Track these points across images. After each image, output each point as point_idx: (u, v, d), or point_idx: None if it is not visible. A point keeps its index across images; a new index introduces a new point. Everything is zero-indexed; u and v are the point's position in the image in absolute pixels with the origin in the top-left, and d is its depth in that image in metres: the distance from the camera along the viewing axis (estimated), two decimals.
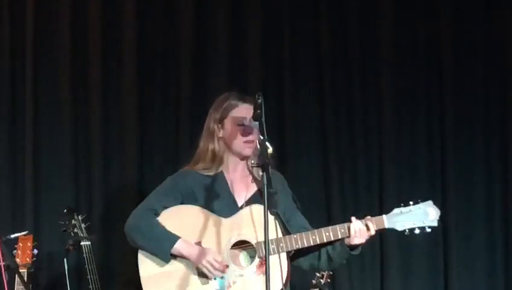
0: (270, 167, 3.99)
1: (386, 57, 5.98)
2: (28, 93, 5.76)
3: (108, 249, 5.69)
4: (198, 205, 4.20)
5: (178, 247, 4.14)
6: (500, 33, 5.99)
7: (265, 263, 3.80)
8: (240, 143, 4.22)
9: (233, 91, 4.34)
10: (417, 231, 4.14)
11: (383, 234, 5.76)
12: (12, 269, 4.06)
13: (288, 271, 4.10)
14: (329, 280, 5.34)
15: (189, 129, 5.78)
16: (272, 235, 4.02)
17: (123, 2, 5.87)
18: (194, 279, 4.15)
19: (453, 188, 5.89)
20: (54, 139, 5.79)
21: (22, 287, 4.80)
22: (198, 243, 4.16)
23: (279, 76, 5.93)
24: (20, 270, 4.84)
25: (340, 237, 4.11)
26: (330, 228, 4.11)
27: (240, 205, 4.21)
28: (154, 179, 5.74)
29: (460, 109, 5.98)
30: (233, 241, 4.14)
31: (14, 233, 5.11)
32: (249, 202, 4.19)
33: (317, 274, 5.28)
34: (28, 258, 5.05)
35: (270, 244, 4.01)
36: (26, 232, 5.19)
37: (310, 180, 5.86)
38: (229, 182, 4.25)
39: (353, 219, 4.13)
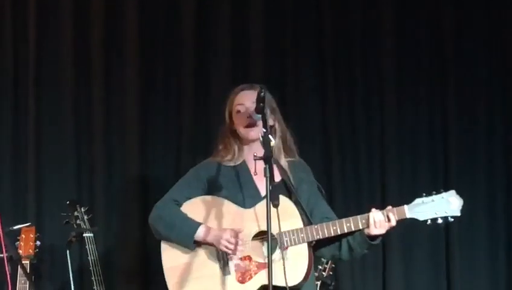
0: (293, 155, 4.09)
1: (388, 49, 5.97)
2: (30, 87, 5.76)
3: (111, 241, 5.70)
4: (221, 196, 4.22)
5: (201, 233, 4.15)
6: (502, 22, 5.99)
7: (268, 259, 3.80)
8: (242, 129, 4.25)
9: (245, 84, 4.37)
10: (440, 221, 4.05)
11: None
12: (15, 261, 4.07)
13: (310, 261, 4.10)
14: (331, 273, 5.34)
15: (192, 122, 5.80)
16: (294, 226, 4.05)
17: None
18: (216, 269, 4.16)
19: (456, 182, 5.88)
20: (56, 132, 5.79)
21: (25, 278, 4.81)
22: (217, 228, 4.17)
23: (281, 71, 5.92)
24: (23, 262, 4.85)
25: (361, 227, 4.08)
26: (351, 218, 4.09)
27: (262, 194, 4.20)
28: (156, 171, 5.77)
29: (463, 102, 5.97)
30: (254, 232, 4.14)
31: (16, 224, 5.13)
32: (266, 192, 4.19)
33: (320, 267, 5.28)
34: (30, 250, 5.05)
35: (291, 235, 4.04)
36: (29, 223, 5.20)
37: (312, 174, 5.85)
38: (252, 172, 4.25)
39: (373, 209, 4.10)
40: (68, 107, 5.81)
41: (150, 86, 5.87)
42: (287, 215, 4.00)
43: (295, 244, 4.06)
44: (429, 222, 4.07)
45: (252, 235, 4.15)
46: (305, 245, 4.10)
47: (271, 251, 3.81)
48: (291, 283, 3.96)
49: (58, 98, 5.82)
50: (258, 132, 4.15)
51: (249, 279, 4.12)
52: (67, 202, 5.28)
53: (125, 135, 5.83)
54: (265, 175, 3.83)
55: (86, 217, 5.24)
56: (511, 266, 5.92)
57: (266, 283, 4.03)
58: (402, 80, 5.98)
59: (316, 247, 4.20)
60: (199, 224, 4.17)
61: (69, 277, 5.10)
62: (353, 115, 5.95)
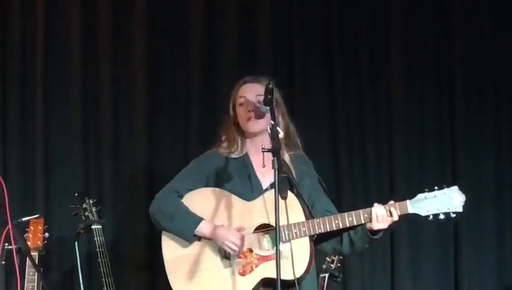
0: (296, 148, 4.09)
1: (396, 43, 5.96)
2: (38, 81, 5.77)
3: (119, 232, 5.71)
4: (223, 188, 4.21)
5: (201, 228, 4.15)
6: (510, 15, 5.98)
7: (276, 250, 3.79)
8: (244, 121, 4.24)
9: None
10: (442, 217, 4.06)
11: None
12: (23, 252, 4.07)
13: (311, 255, 4.10)
14: (339, 265, 5.34)
15: (199, 114, 5.80)
16: (296, 219, 4.04)
17: None
18: (217, 262, 4.16)
19: (464, 177, 5.87)
20: (64, 124, 5.80)
21: (33, 270, 4.82)
22: (222, 226, 4.16)
23: (289, 65, 5.92)
24: (32, 254, 4.85)
25: (363, 222, 4.08)
26: (353, 212, 4.09)
27: (264, 187, 4.21)
28: (163, 163, 5.78)
29: (471, 97, 5.96)
30: (256, 224, 4.14)
31: (25, 216, 5.14)
32: (273, 185, 4.19)
33: (328, 259, 5.28)
34: (39, 242, 5.06)
35: (293, 229, 4.04)
36: (38, 215, 5.20)
37: (320, 168, 5.83)
38: (254, 165, 4.25)
39: (375, 204, 4.10)
40: (76, 99, 5.81)
41: (158, 78, 5.87)
42: (290, 209, 4.00)
43: (297, 237, 4.06)
44: (431, 217, 4.08)
45: (254, 228, 4.16)
46: (307, 239, 4.10)
47: (278, 243, 3.81)
48: (293, 276, 3.94)
49: (66, 90, 5.82)
50: (260, 124, 4.16)
51: (250, 271, 4.12)
52: (76, 194, 5.28)
53: (133, 127, 5.84)
54: (273, 167, 3.82)
55: (94, 209, 5.25)
56: None
57: (267, 275, 4.06)
58: (410, 74, 5.97)
59: (317, 241, 4.19)
60: (200, 219, 4.16)
61: (78, 269, 5.11)
62: (361, 110, 5.96)
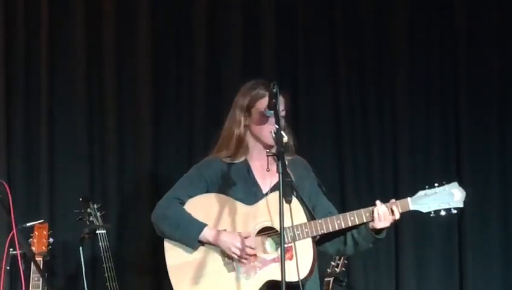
0: (292, 153, 4.05)
1: (401, 44, 5.96)
2: (43, 83, 5.77)
3: (124, 237, 5.71)
4: (224, 193, 4.21)
5: (205, 234, 4.15)
6: None
7: (281, 252, 3.79)
8: (266, 133, 4.17)
9: (260, 79, 4.31)
10: (443, 213, 4.08)
11: (398, 223, 5.74)
12: (28, 257, 4.07)
13: (314, 256, 4.10)
14: (344, 269, 5.34)
15: (204, 119, 5.80)
16: (297, 221, 4.03)
17: None
18: (221, 266, 4.16)
19: (468, 175, 5.87)
20: (69, 129, 5.80)
21: (38, 275, 4.82)
22: (225, 231, 4.16)
23: (293, 64, 5.92)
24: (36, 259, 4.85)
25: (365, 221, 4.09)
26: (355, 212, 4.10)
27: (265, 192, 4.21)
28: (168, 168, 5.77)
29: (475, 95, 5.96)
30: (258, 228, 4.14)
31: (29, 221, 5.14)
32: (274, 189, 4.19)
33: (332, 263, 5.28)
34: (43, 247, 5.07)
35: (295, 230, 4.03)
36: (42, 220, 5.21)
37: (324, 168, 5.85)
38: (253, 170, 4.25)
39: (377, 202, 4.10)
40: (80, 104, 5.81)
41: (162, 85, 5.87)
42: (293, 212, 3.99)
43: (300, 239, 4.06)
44: (432, 214, 4.10)
45: (256, 232, 4.15)
46: (310, 240, 4.10)
47: (283, 246, 3.80)
48: (297, 277, 3.92)
49: (71, 94, 5.82)
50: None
51: (254, 275, 4.12)
52: (80, 199, 5.29)
53: (138, 132, 5.83)
54: (277, 171, 3.82)
55: (98, 213, 5.25)
56: None
57: (270, 278, 4.06)
58: (414, 73, 5.96)
59: (320, 242, 4.20)
60: (204, 225, 4.16)
61: (82, 274, 5.11)
62: (365, 109, 5.95)
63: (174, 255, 4.22)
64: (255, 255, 4.13)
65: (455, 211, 4.10)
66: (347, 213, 4.10)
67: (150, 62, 5.84)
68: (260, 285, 4.10)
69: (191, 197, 4.24)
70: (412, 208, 4.09)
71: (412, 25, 5.98)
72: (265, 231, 4.15)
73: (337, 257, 5.27)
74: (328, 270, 5.25)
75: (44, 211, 5.63)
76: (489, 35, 5.99)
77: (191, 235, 4.16)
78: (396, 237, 5.87)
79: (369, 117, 5.95)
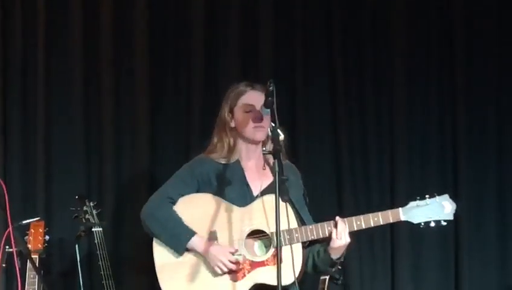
0: (284, 158, 4.04)
1: (398, 43, 5.96)
2: (40, 81, 5.76)
3: (119, 235, 5.71)
4: (214, 193, 4.20)
5: (194, 242, 4.15)
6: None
7: (277, 252, 3.79)
8: (250, 129, 4.20)
9: (242, 82, 4.33)
10: (432, 224, 4.18)
11: (394, 227, 5.76)
12: (24, 255, 4.07)
13: (303, 261, 4.10)
14: (340, 267, 5.33)
15: (200, 117, 5.80)
16: (286, 225, 4.03)
17: None
18: (209, 268, 4.15)
19: (465, 180, 5.87)
20: (65, 127, 5.80)
21: (34, 273, 4.82)
22: (213, 232, 4.16)
23: (290, 67, 5.91)
24: (32, 256, 4.85)
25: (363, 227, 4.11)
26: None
27: (255, 194, 4.20)
28: (165, 165, 5.76)
29: (473, 101, 5.95)
30: (248, 230, 4.14)
31: (25, 219, 5.14)
32: (264, 192, 4.19)
33: None
34: (39, 244, 5.06)
35: (285, 235, 4.04)
36: (38, 218, 5.20)
37: (321, 170, 5.85)
38: (245, 171, 4.24)
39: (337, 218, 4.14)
40: (77, 102, 5.81)
41: (159, 85, 5.86)
42: (282, 215, 3.98)
43: (289, 244, 4.05)
44: (422, 225, 4.18)
45: (246, 234, 4.15)
46: (300, 245, 4.10)
47: (278, 246, 3.80)
48: (285, 282, 3.93)
49: (68, 92, 5.81)
50: (265, 133, 4.14)
51: (242, 277, 4.12)
52: (76, 197, 5.28)
53: (135, 129, 5.83)
54: (273, 169, 3.82)
55: (94, 211, 5.24)
56: None
57: (259, 281, 4.07)
58: (412, 78, 5.96)
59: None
60: (193, 233, 4.15)
61: (78, 271, 5.10)
62: (363, 114, 5.94)
63: (162, 254, 4.22)
64: (243, 257, 4.11)
65: (445, 223, 4.18)
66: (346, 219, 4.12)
67: (147, 60, 5.83)
68: (248, 288, 4.09)
69: (182, 195, 4.24)
70: (402, 218, 4.16)
71: (409, 28, 5.97)
72: (255, 234, 4.14)
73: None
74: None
75: (40, 209, 5.63)
76: (488, 38, 5.97)
77: (179, 241, 4.16)
78: (392, 236, 5.87)
79: (366, 121, 5.93)
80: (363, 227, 4.13)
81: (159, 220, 4.19)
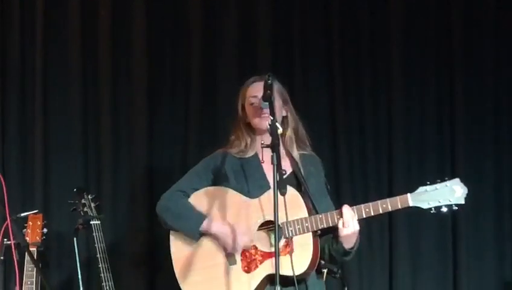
0: (308, 148, 4.15)
1: (396, 39, 5.95)
2: (37, 74, 5.76)
3: (118, 228, 5.71)
4: (230, 186, 4.24)
5: (206, 224, 4.19)
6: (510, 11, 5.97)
7: (275, 246, 3.80)
8: (256, 120, 4.26)
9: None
10: (444, 209, 4.06)
11: (393, 220, 5.77)
12: (22, 248, 4.07)
13: (315, 251, 4.11)
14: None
15: (199, 110, 5.80)
16: (299, 215, 4.06)
17: None
18: (223, 259, 4.19)
19: (463, 175, 5.84)
20: (63, 119, 5.79)
21: (32, 265, 4.82)
22: (227, 224, 4.20)
23: (289, 63, 5.91)
24: (30, 249, 4.85)
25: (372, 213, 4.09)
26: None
27: (272, 185, 4.21)
28: (163, 159, 5.77)
29: (471, 93, 5.94)
30: (260, 222, 4.16)
31: (24, 212, 5.14)
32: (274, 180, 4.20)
33: None
34: (37, 237, 5.06)
35: (296, 224, 4.05)
36: (36, 211, 5.21)
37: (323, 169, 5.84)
38: (262, 164, 4.26)
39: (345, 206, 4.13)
40: (75, 95, 5.80)
41: (158, 77, 5.86)
42: (293, 205, 4.00)
43: (299, 233, 4.07)
44: (433, 210, 4.07)
45: (258, 225, 4.16)
46: (310, 235, 4.10)
47: (277, 238, 3.81)
48: (296, 272, 3.96)
49: (66, 86, 5.81)
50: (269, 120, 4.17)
51: (255, 268, 4.14)
52: (75, 190, 5.28)
53: (133, 122, 5.83)
54: (272, 163, 3.83)
55: (93, 204, 5.24)
56: None
57: (272, 272, 4.07)
58: (409, 71, 5.96)
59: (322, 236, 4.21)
60: (204, 216, 4.20)
61: (76, 264, 5.10)
62: (361, 107, 5.93)
63: (178, 247, 4.27)
64: (254, 247, 4.13)
65: (456, 208, 4.08)
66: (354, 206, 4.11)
67: (145, 56, 5.83)
68: (261, 279, 4.12)
69: (196, 189, 4.29)
70: (411, 204, 4.06)
71: (407, 25, 5.96)
72: (269, 225, 4.16)
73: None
74: (321, 262, 5.24)
75: (38, 202, 5.63)
76: (486, 35, 5.96)
77: (192, 226, 4.20)
78: (391, 228, 5.87)
79: (364, 117, 5.92)
80: (372, 214, 4.09)
81: (173, 212, 4.26)
